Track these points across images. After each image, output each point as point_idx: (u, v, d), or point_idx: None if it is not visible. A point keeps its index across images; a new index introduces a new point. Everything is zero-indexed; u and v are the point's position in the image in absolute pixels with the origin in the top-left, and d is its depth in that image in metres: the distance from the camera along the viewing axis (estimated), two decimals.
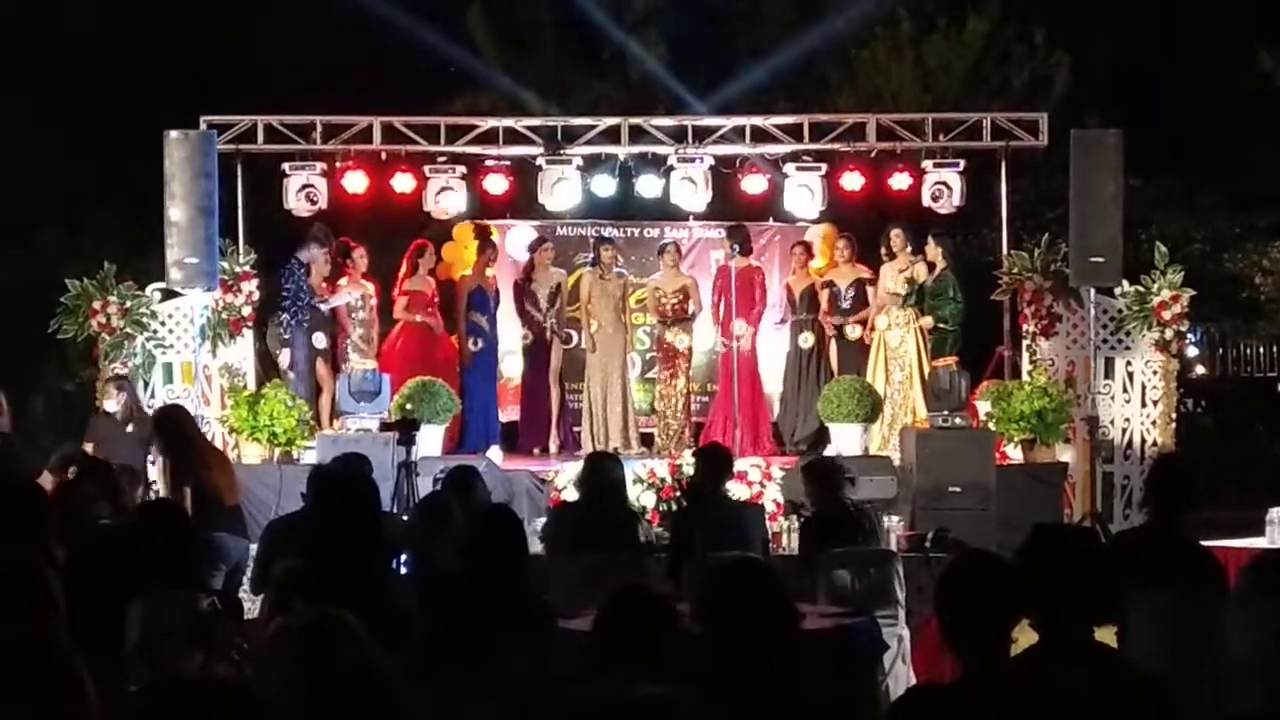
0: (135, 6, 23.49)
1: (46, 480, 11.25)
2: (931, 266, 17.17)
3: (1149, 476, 8.91)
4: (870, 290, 17.67)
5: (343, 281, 17.33)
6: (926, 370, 16.98)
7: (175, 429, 12.28)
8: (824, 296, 17.89)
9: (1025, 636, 5.32)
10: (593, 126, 17.42)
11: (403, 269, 17.63)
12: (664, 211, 18.66)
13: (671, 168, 17.29)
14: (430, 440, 15.58)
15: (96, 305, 15.93)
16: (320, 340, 17.09)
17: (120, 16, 23.27)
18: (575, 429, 18.20)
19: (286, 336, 16.76)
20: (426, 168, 17.22)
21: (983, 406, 16.23)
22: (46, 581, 5.71)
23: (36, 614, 5.48)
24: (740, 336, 17.51)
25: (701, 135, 17.31)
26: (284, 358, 16.78)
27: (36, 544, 6.69)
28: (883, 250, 17.70)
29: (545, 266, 17.99)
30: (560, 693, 5.98)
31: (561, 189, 17.24)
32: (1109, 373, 16.51)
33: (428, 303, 17.60)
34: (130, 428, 14.17)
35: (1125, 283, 16.25)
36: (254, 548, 11.04)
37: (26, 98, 22.30)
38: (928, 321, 16.93)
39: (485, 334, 17.71)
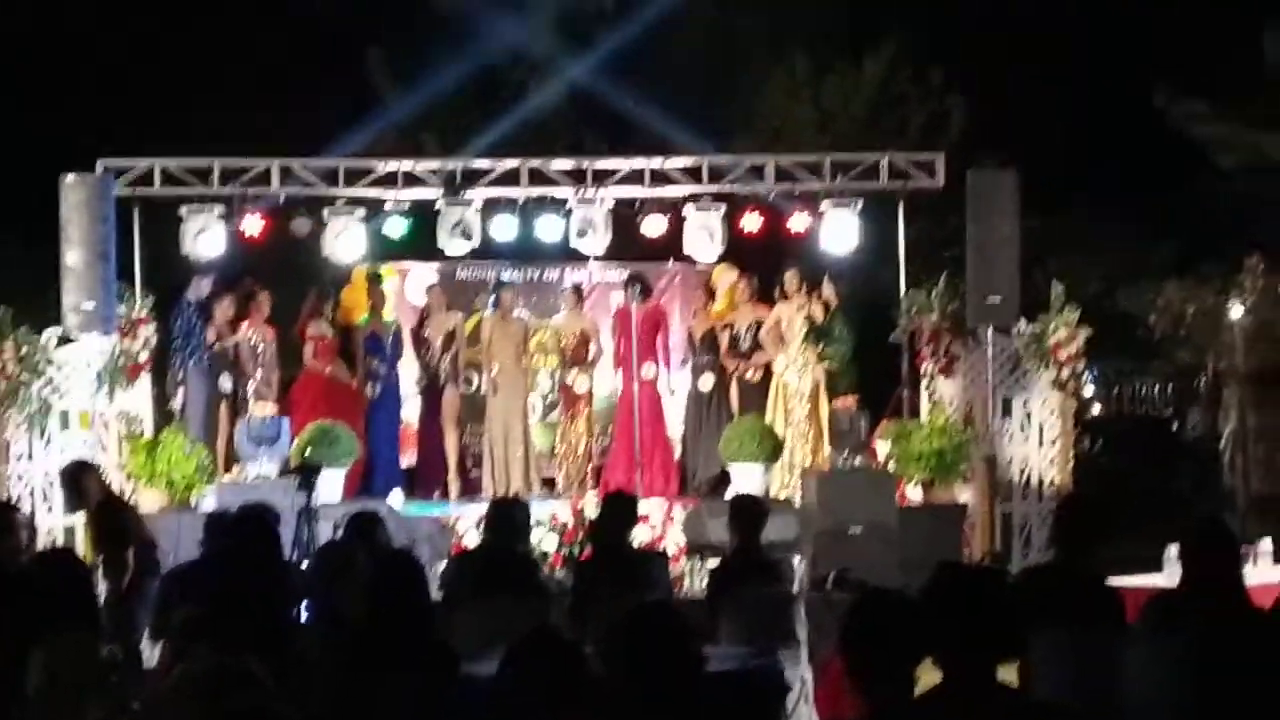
0: (32, 49, 23.35)
1: None
2: (827, 306, 17.28)
3: (1056, 515, 8.99)
4: (770, 331, 17.74)
5: (244, 324, 17.28)
6: (825, 411, 17.06)
7: (97, 484, 12.21)
8: (724, 338, 17.96)
9: (928, 675, 5.35)
10: (491, 169, 17.41)
11: (304, 314, 17.61)
12: (564, 253, 18.65)
13: (571, 210, 17.29)
14: (331, 486, 15.49)
15: None
16: (225, 384, 17.04)
17: (16, 59, 23.12)
18: (475, 473, 18.16)
19: (180, 378, 16.70)
20: (325, 210, 17.15)
21: (883, 447, 16.30)
22: None
23: None
24: (649, 379, 17.57)
25: (601, 177, 17.31)
26: (177, 400, 16.72)
27: None
28: (776, 291, 17.78)
29: (439, 310, 17.96)
30: None
31: (461, 232, 17.20)
32: (1007, 411, 16.60)
33: (331, 348, 17.56)
34: None
35: (1023, 322, 16.37)
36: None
37: None
38: (827, 361, 17.03)
39: (381, 378, 17.69)
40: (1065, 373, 16.38)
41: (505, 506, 11.23)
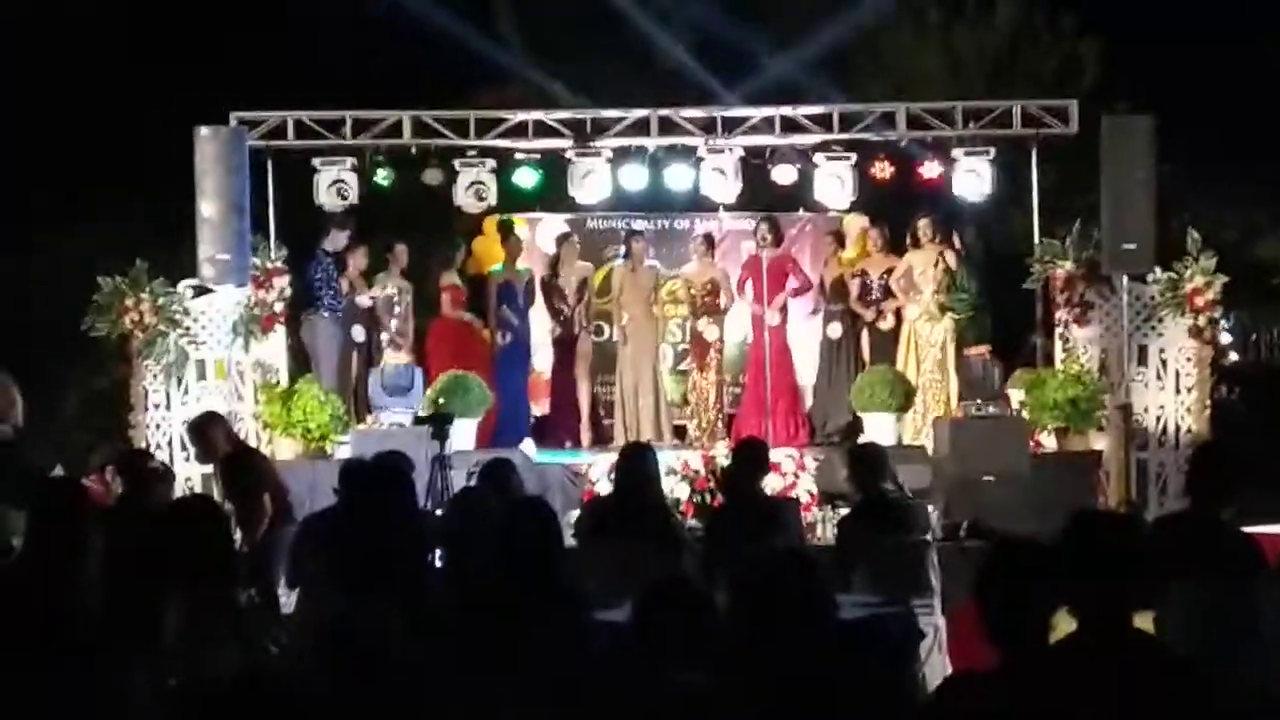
0: (164, 3, 23.54)
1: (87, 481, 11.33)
2: (959, 256, 17.19)
3: (1190, 463, 8.90)
4: (901, 279, 17.67)
5: (380, 275, 17.41)
6: (957, 359, 16.99)
7: (224, 435, 12.41)
8: (855, 286, 17.89)
9: (1064, 624, 5.31)
10: (622, 118, 17.37)
11: (437, 265, 17.78)
12: (694, 203, 18.62)
13: (701, 159, 17.25)
14: (464, 434, 15.59)
15: (129, 303, 15.93)
16: (359, 334, 17.18)
17: (151, 11, 23.31)
18: (607, 422, 18.21)
19: (336, 315, 16.87)
20: (456, 161, 17.21)
21: (1016, 395, 16.20)
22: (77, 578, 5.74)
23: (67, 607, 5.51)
24: (778, 327, 17.55)
25: (731, 126, 17.25)
26: (321, 349, 16.92)
27: (71, 539, 6.71)
28: (908, 239, 17.69)
29: (571, 260, 18.00)
30: (596, 684, 5.98)
31: (591, 181, 17.20)
32: (1142, 360, 16.44)
33: (463, 298, 17.67)
34: None
35: (1158, 269, 16.20)
36: None
37: (60, 92, 22.32)
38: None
39: (514, 327, 17.74)
40: (1202, 320, 16.21)
41: (635, 451, 11.24)
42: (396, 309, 17.40)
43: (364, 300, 17.26)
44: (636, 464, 10.89)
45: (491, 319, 17.80)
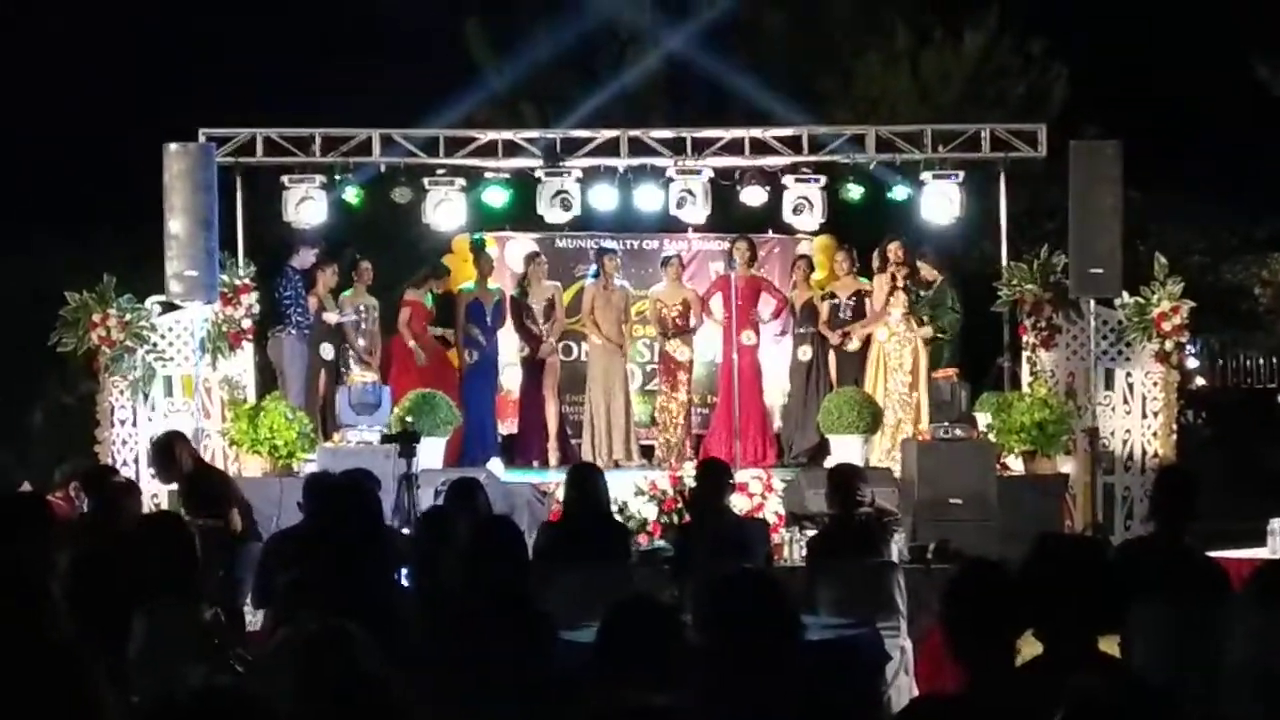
0: (135, 18, 23.50)
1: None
2: (928, 281, 17.20)
3: (1154, 487, 8.93)
4: (869, 302, 17.68)
5: (347, 294, 17.39)
6: (925, 381, 16.99)
7: (188, 454, 12.47)
8: (824, 308, 17.88)
9: (1029, 647, 5.32)
10: (591, 139, 17.40)
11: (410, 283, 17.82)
12: (663, 223, 18.62)
13: (671, 180, 17.26)
14: (431, 453, 15.56)
15: (96, 318, 15.89)
16: (327, 351, 17.14)
17: (121, 28, 23.28)
18: (575, 441, 18.18)
19: (304, 332, 16.84)
20: (425, 180, 17.20)
21: (983, 418, 16.22)
22: (47, 591, 5.71)
23: (40, 619, 5.48)
24: (750, 347, 17.56)
25: (700, 147, 17.26)
26: (288, 363, 16.88)
27: (37, 554, 6.69)
28: (875, 261, 17.69)
29: (539, 279, 17.99)
30: (563, 703, 5.97)
31: (560, 201, 17.21)
32: (1109, 384, 16.50)
33: (426, 315, 17.66)
34: None
35: (1125, 294, 16.25)
36: None
37: (26, 109, 22.29)
38: (926, 332, 17.00)
39: (481, 346, 17.72)
40: (1168, 345, 16.26)
41: (580, 473, 11.25)
42: (363, 326, 17.37)
43: (332, 318, 17.23)
44: (582, 484, 10.90)
45: (459, 337, 17.78)
